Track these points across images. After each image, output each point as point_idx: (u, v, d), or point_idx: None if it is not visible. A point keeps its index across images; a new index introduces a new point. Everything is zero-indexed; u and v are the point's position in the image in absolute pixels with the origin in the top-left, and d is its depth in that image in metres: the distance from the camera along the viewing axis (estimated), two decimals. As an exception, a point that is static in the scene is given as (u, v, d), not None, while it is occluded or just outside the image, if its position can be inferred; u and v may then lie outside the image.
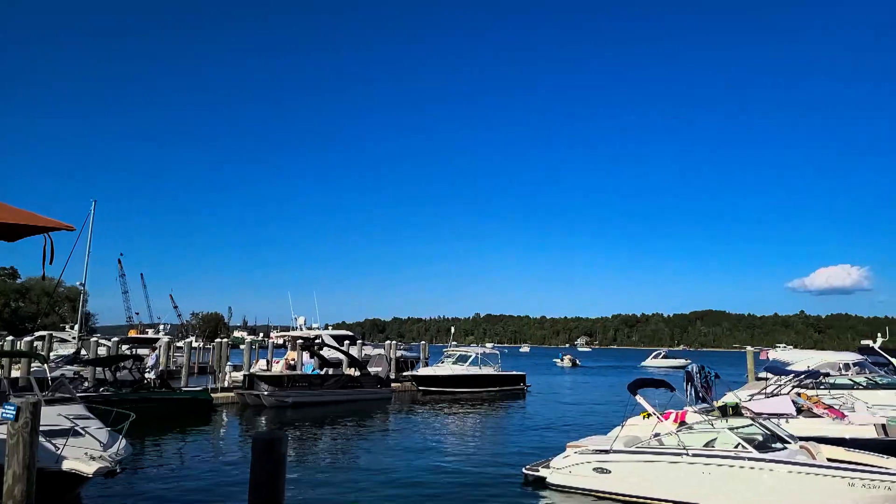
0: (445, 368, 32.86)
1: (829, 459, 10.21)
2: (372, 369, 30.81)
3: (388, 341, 38.13)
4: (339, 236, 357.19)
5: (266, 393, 24.43)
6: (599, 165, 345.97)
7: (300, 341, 29.95)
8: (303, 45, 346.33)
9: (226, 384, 27.50)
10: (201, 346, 47.66)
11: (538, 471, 12.51)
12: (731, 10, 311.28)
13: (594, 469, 11.56)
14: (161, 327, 59.24)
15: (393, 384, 31.24)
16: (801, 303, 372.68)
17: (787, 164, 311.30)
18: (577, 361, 78.61)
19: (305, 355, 29.80)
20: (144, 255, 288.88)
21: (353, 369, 28.97)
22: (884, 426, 12.66)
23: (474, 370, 33.18)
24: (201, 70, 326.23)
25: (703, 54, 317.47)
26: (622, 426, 12.80)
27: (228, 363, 29.63)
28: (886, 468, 9.76)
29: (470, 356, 34.05)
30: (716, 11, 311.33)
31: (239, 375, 27.69)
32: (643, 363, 73.93)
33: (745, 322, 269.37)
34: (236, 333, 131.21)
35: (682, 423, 12.12)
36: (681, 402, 14.30)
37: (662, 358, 75.40)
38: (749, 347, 38.46)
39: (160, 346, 28.53)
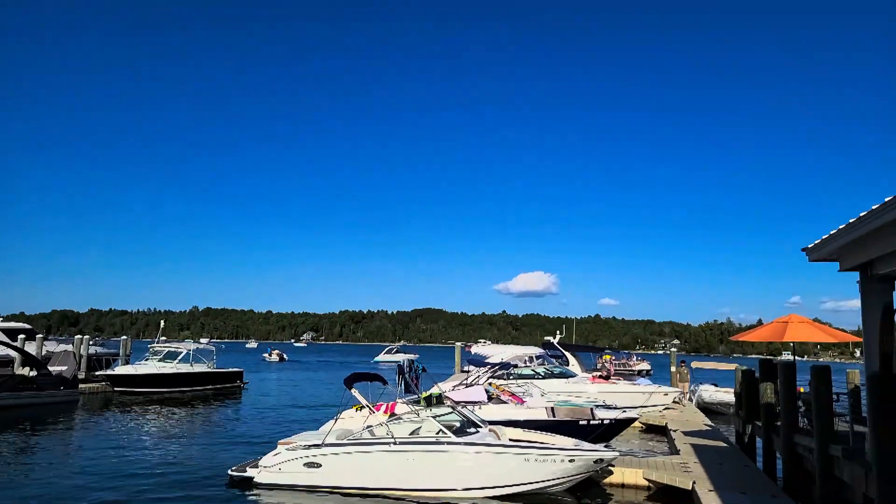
0: (149, 366, 29.61)
1: (511, 440, 11.68)
2: (54, 368, 26.24)
3: (79, 336, 32.91)
4: (16, 208, 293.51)
5: None
6: (327, 160, 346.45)
7: (-47, 335, 24.15)
8: None
9: None
10: None
11: (245, 471, 11.97)
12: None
13: (305, 464, 11.45)
14: None
15: (82, 385, 27.23)
16: (504, 303, 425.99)
17: (494, 180, 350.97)
18: (285, 356, 78.60)
19: (-40, 352, 24.14)
20: None
21: (27, 368, 24.29)
22: (553, 409, 14.96)
23: (184, 368, 30.51)
24: None
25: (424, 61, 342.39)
26: (335, 420, 12.92)
27: None
28: (553, 444, 11.55)
29: (181, 352, 31.19)
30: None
31: None
32: (376, 358, 76.83)
33: (459, 320, 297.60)
34: None
35: (393, 414, 12.70)
36: (394, 395, 14.98)
37: (395, 353, 79.40)
38: (457, 343, 42.44)
39: None
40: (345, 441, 11.61)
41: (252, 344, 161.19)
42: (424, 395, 12.73)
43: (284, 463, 11.59)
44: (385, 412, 13.00)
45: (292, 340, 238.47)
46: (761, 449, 13.85)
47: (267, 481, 11.60)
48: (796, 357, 15.25)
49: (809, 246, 9.48)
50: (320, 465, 11.38)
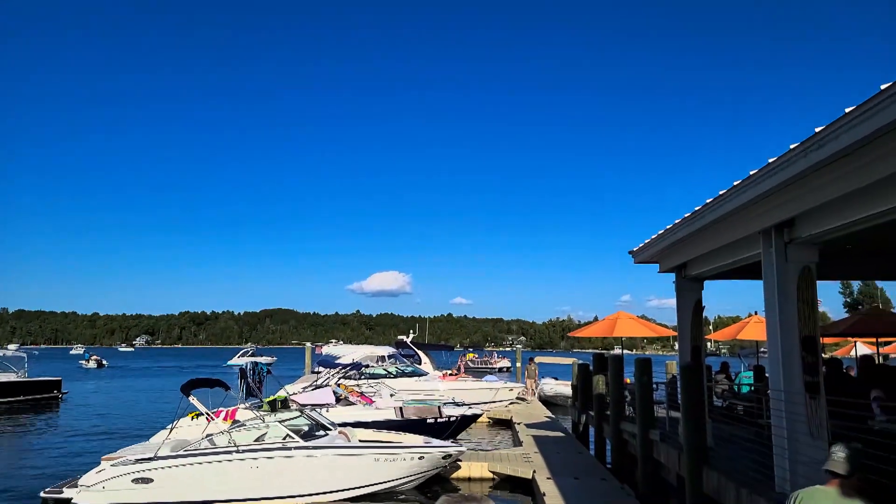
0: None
1: (361, 441, 11.57)
2: None
3: None
4: None
5: None
6: (163, 150, 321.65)
7: None
8: None
9: None
10: None
11: (62, 492, 10.69)
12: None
13: (133, 480, 10.47)
14: None
15: None
16: (358, 303, 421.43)
17: (346, 179, 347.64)
18: (104, 362, 72.71)
19: None
20: None
21: None
22: (401, 409, 15.07)
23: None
24: None
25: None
26: (170, 430, 12.01)
27: None
28: (402, 443, 11.62)
29: (-17, 360, 27.30)
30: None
31: None
32: (229, 361, 72.49)
33: (311, 320, 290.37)
34: None
35: (235, 421, 12.03)
36: (237, 400, 14.20)
37: (250, 356, 75.31)
38: (308, 344, 41.41)
39: None
40: (181, 452, 10.78)
41: (78, 349, 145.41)
42: (268, 399, 12.20)
43: (109, 480, 10.49)
44: (226, 419, 12.29)
45: (121, 345, 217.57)
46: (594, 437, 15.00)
47: (88, 502, 10.43)
48: (625, 350, 16.73)
49: (634, 249, 10.42)
50: (152, 481, 10.46)
